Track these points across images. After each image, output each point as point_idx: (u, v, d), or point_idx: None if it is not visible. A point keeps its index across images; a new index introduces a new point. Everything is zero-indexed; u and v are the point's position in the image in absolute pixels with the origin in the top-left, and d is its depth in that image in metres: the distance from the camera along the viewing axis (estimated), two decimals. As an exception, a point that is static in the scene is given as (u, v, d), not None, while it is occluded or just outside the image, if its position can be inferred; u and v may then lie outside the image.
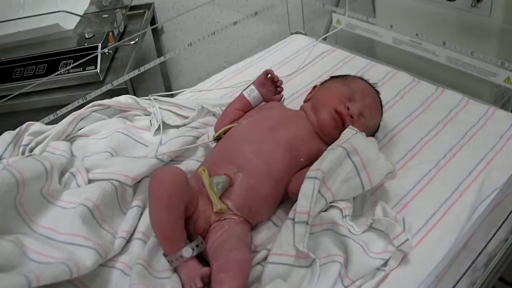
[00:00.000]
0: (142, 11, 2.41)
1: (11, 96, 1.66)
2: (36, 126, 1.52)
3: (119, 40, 2.15)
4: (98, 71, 1.90)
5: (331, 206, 1.23)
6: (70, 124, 1.54)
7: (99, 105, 1.61)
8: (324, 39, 2.09)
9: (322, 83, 1.55)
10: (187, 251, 1.14)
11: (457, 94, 1.72)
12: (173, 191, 1.14)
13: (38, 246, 1.14)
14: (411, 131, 1.59)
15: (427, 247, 1.21)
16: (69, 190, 1.31)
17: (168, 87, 2.66)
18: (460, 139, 1.53)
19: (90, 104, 1.60)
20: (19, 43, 2.07)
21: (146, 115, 1.65)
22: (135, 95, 1.98)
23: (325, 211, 1.23)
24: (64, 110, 1.63)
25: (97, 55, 1.92)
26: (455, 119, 1.62)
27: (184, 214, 1.16)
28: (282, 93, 1.55)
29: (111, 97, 1.65)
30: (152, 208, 1.16)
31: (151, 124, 1.60)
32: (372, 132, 1.49)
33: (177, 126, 1.60)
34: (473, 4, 1.69)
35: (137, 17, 2.38)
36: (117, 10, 2.19)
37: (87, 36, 2.03)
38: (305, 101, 1.53)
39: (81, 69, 1.92)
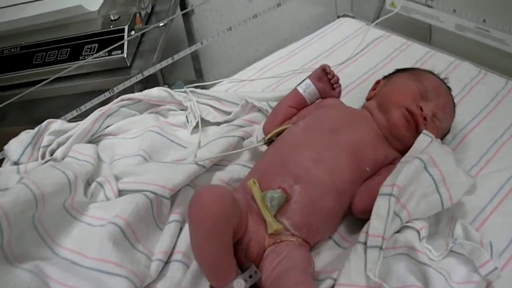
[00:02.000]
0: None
1: (38, 85, 1.50)
2: (57, 124, 1.35)
3: (147, 22, 1.98)
4: (125, 56, 1.72)
5: (406, 226, 1.03)
6: (96, 121, 1.36)
7: (128, 99, 1.42)
8: (377, 23, 1.87)
9: (387, 77, 1.34)
10: (240, 284, 0.94)
11: None
12: (219, 217, 0.93)
13: (61, 275, 0.97)
14: (482, 131, 1.39)
15: None
16: (97, 203, 1.13)
17: (199, 75, 2.47)
18: None
19: (119, 98, 1.41)
20: (40, 27, 1.90)
21: (181, 109, 1.46)
22: (165, 84, 1.81)
23: (398, 232, 1.03)
24: (88, 105, 1.44)
25: (124, 40, 1.73)
26: None
27: (232, 240, 0.96)
28: (340, 88, 1.34)
29: (138, 85, 1.46)
30: (194, 237, 0.96)
31: (187, 121, 1.41)
32: (443, 135, 1.28)
33: (218, 123, 1.42)
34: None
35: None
36: (144, -11, 2.01)
37: (112, 18, 1.86)
38: (367, 99, 1.32)
39: (107, 54, 1.74)
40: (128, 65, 1.74)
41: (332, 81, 1.32)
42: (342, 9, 2.00)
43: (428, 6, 1.80)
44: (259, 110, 1.41)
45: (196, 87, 1.51)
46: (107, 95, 1.49)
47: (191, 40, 2.32)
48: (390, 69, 1.40)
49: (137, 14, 1.90)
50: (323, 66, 1.32)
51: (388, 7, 1.87)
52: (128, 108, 1.42)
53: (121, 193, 1.15)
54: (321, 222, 1.07)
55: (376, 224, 0.97)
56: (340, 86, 1.33)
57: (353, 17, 1.96)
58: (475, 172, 1.27)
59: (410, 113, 1.18)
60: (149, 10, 2.05)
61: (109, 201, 1.13)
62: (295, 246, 1.02)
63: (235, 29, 1.76)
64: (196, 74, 2.50)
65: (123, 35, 1.77)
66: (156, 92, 1.44)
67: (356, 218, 1.13)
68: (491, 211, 1.16)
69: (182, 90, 1.47)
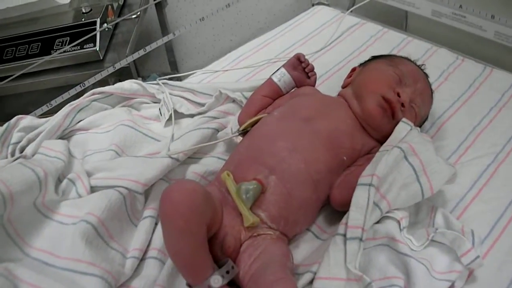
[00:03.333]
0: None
1: (7, 80, 1.47)
2: (27, 120, 1.31)
3: (119, 14, 1.95)
4: (98, 49, 1.70)
5: (386, 216, 1.02)
6: (67, 116, 1.32)
7: (99, 92, 1.39)
8: (351, 10, 1.85)
9: (363, 64, 1.33)
10: (217, 280, 0.91)
11: (509, 75, 1.51)
12: (190, 213, 0.90)
13: (33, 277, 0.94)
14: (461, 118, 1.38)
15: (495, 260, 1.03)
16: (68, 200, 1.10)
17: (174, 67, 2.43)
18: None
19: (90, 92, 1.38)
20: (10, 20, 1.89)
21: (154, 102, 1.44)
22: (139, 77, 1.78)
23: (378, 222, 1.02)
24: (59, 99, 1.40)
25: (95, 32, 1.70)
26: (510, 103, 1.41)
27: (207, 236, 0.94)
28: (315, 76, 1.32)
29: (112, 78, 1.44)
30: (167, 235, 0.94)
31: (160, 114, 1.38)
32: (422, 122, 1.27)
33: (192, 115, 1.39)
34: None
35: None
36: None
37: (84, 11, 1.85)
38: (343, 86, 1.31)
39: (79, 47, 1.72)
40: (101, 58, 1.72)
41: (307, 70, 1.30)
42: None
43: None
44: (233, 101, 1.39)
45: (169, 79, 1.48)
46: (78, 89, 1.46)
47: (165, 31, 2.29)
48: (366, 57, 1.39)
49: (109, 6, 1.87)
50: (297, 55, 1.30)
51: (363, -7, 1.85)
52: (100, 102, 1.38)
53: (93, 189, 1.12)
54: (298, 213, 1.05)
55: (355, 215, 0.95)
56: (315, 74, 1.31)
57: (328, 5, 1.93)
58: (455, 159, 1.26)
59: (386, 101, 1.16)
60: (121, 2, 2.03)
61: (81, 198, 1.09)
62: (272, 239, 1.00)
63: (208, 19, 1.73)
64: (171, 66, 2.46)
65: (95, 28, 1.75)
66: (128, 85, 1.41)
67: (334, 210, 1.11)
68: (472, 198, 1.16)
69: (155, 82, 1.44)
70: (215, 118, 1.33)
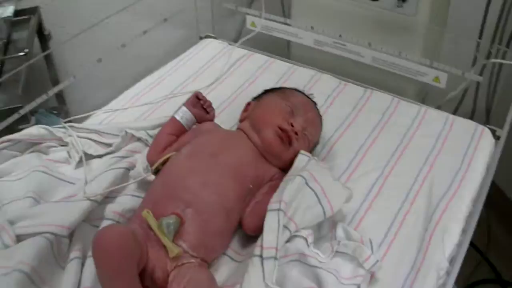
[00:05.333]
0: (26, 17, 2.13)
1: None
2: None
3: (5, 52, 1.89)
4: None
5: (294, 235, 1.16)
6: (-24, 165, 1.34)
7: (8, 140, 1.41)
8: (237, 42, 1.99)
9: (257, 98, 1.47)
10: None
11: (387, 95, 1.71)
12: (123, 255, 0.99)
13: None
14: (348, 139, 1.55)
15: (391, 262, 1.19)
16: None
17: (61, 100, 2.39)
18: (399, 144, 1.52)
19: None
20: None
21: (62, 145, 1.48)
22: (30, 114, 1.77)
23: (288, 241, 1.15)
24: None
25: None
26: (390, 122, 1.61)
27: (137, 273, 1.02)
28: (214, 111, 1.47)
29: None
30: (102, 277, 1.00)
31: (69, 156, 1.43)
32: (314, 146, 1.44)
33: (100, 156, 1.45)
34: (398, 5, 1.67)
35: (21, 24, 2.10)
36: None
37: None
38: (240, 120, 1.44)
39: None
40: None
41: (205, 106, 1.43)
42: (204, 30, 2.08)
43: (287, 24, 1.95)
44: (138, 139, 1.47)
45: (70, 120, 1.53)
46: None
47: (50, 67, 2.24)
48: (256, 87, 1.57)
49: (-2, 43, 1.82)
50: (196, 93, 1.43)
51: (249, 26, 2.00)
52: (9, 149, 1.42)
53: (18, 238, 1.16)
54: (215, 240, 1.17)
55: (269, 238, 1.08)
56: (213, 109, 1.45)
57: (215, 38, 2.06)
58: (346, 176, 1.42)
59: (282, 131, 1.30)
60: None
61: (8, 249, 1.13)
62: (196, 267, 1.10)
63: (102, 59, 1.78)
64: (58, 100, 2.43)
65: None
66: (35, 131, 1.45)
67: (245, 234, 1.24)
68: (366, 210, 1.32)
69: (60, 126, 1.49)
70: (124, 157, 1.40)
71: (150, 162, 1.35)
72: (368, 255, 1.13)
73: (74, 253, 1.16)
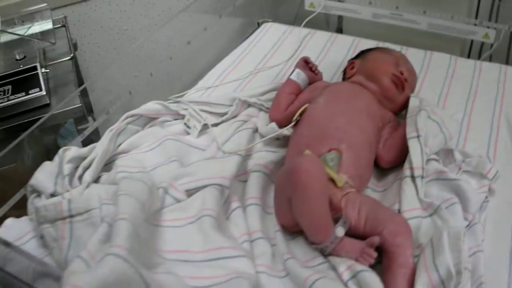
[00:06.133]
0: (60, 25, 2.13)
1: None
2: (72, 151, 1.32)
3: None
4: (45, 93, 1.63)
5: (429, 159, 1.28)
6: (111, 141, 1.36)
7: (132, 115, 1.45)
8: (292, 25, 2.07)
9: (360, 57, 1.56)
10: (340, 231, 1.08)
11: (444, 54, 1.86)
12: (322, 179, 1.09)
13: (190, 271, 1.02)
14: (427, 89, 1.69)
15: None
16: (170, 207, 1.17)
17: (89, 109, 2.34)
18: (469, 90, 1.69)
19: (124, 116, 1.44)
20: None
21: (175, 119, 1.52)
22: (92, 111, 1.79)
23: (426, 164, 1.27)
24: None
25: (38, 76, 1.66)
26: (455, 75, 1.76)
27: None
28: (321, 73, 1.56)
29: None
30: (304, 200, 1.07)
31: (188, 127, 1.47)
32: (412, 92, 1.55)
33: (216, 124, 1.50)
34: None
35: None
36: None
37: (18, 58, 1.75)
38: (349, 77, 1.52)
39: (24, 94, 1.62)
40: (48, 102, 1.64)
41: (313, 68, 1.52)
42: (257, 17, 2.17)
43: (341, 1, 2.06)
44: (249, 105, 1.53)
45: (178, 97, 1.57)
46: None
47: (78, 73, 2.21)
48: (330, 58, 1.75)
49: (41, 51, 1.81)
50: (304, 58, 1.54)
51: (308, 8, 2.09)
52: (133, 124, 1.45)
53: (187, 193, 1.20)
54: (366, 170, 1.27)
55: (416, 159, 1.22)
56: (320, 71, 1.53)
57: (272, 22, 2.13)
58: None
59: (396, 77, 1.42)
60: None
61: (183, 202, 1.18)
62: (359, 193, 1.20)
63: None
64: (87, 108, 2.39)
65: (37, 73, 1.68)
66: (153, 106, 1.49)
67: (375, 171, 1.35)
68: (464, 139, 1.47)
69: (173, 101, 1.53)
70: (244, 121, 1.46)
71: (275, 120, 1.42)
72: (490, 167, 1.26)
73: (235, 204, 1.22)
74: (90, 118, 1.67)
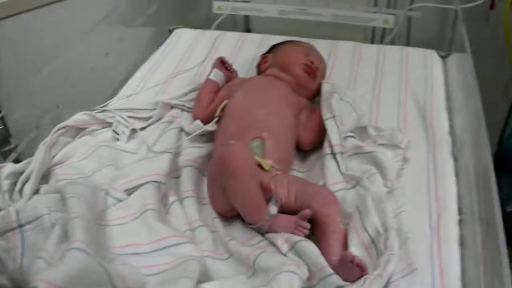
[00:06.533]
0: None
1: None
2: (8, 167, 1.36)
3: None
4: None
5: (345, 136, 1.43)
6: (45, 153, 1.42)
7: (62, 127, 1.51)
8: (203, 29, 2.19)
9: (270, 52, 1.71)
10: (273, 209, 1.21)
11: (350, 42, 2.05)
12: (251, 163, 1.21)
13: (142, 262, 1.10)
14: (337, 72, 1.87)
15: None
16: (113, 207, 1.25)
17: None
18: (376, 71, 1.89)
19: (55, 129, 1.49)
20: None
21: (103, 128, 1.59)
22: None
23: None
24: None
25: None
26: (361, 58, 1.96)
27: None
28: (236, 71, 1.71)
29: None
30: (238, 183, 1.18)
31: (117, 134, 1.55)
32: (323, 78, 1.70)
33: (143, 128, 1.59)
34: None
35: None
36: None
37: None
38: (263, 70, 1.66)
39: None
40: None
41: (229, 67, 1.65)
42: (169, 24, 2.26)
43: (247, 1, 2.22)
44: (172, 107, 1.63)
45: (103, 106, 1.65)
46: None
47: None
48: (243, 56, 1.88)
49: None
50: (220, 58, 1.67)
51: (216, 11, 2.21)
52: (64, 136, 1.51)
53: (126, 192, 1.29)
54: (289, 154, 1.41)
55: (334, 137, 1.37)
56: (235, 70, 1.67)
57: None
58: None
59: (308, 66, 1.57)
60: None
61: (124, 201, 1.25)
62: (286, 175, 1.33)
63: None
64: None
65: None
66: (81, 117, 1.55)
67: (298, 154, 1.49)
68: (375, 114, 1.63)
69: (99, 110, 1.61)
70: (170, 122, 1.56)
71: (199, 118, 1.54)
72: (402, 138, 1.44)
73: (172, 198, 1.32)
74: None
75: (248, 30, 2.38)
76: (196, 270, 1.04)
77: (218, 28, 2.16)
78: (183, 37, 2.15)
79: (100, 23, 1.87)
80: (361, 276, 1.07)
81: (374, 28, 2.34)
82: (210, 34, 2.12)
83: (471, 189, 1.30)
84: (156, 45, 2.12)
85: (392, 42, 2.18)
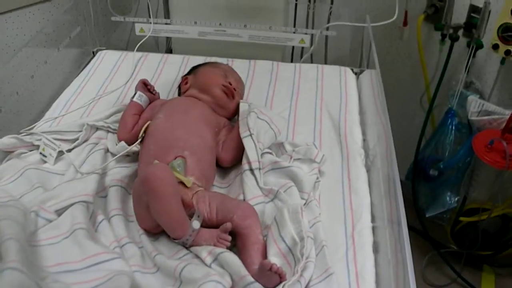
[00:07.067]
0: None
1: None
2: None
3: None
4: None
5: (263, 153, 1.54)
6: (-33, 179, 1.46)
7: (-12, 151, 1.55)
8: (125, 50, 2.27)
9: (190, 73, 1.81)
10: (196, 224, 1.30)
11: (267, 61, 2.18)
12: (173, 182, 1.30)
13: (74, 279, 1.15)
14: (256, 91, 1.99)
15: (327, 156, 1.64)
16: (44, 228, 1.29)
17: None
18: (292, 90, 2.02)
19: (-21, 153, 1.54)
20: None
21: (30, 150, 1.65)
22: None
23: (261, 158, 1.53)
24: None
25: None
26: (278, 77, 2.10)
27: None
28: (158, 92, 1.79)
29: None
30: (160, 203, 1.26)
31: (44, 156, 1.61)
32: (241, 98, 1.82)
33: (70, 150, 1.64)
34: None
35: None
36: None
37: None
38: (184, 91, 1.76)
39: None
40: None
41: (151, 89, 1.74)
42: (95, 45, 2.32)
43: (174, 24, 2.31)
44: (98, 129, 1.70)
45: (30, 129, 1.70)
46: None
47: None
48: (165, 76, 1.97)
49: None
50: (143, 80, 1.74)
51: (138, 33, 2.29)
52: (-12, 160, 1.55)
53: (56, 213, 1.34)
54: (210, 171, 1.50)
55: (252, 154, 1.47)
56: (157, 92, 1.75)
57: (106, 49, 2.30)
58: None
59: (226, 87, 1.68)
60: None
61: (55, 221, 1.30)
62: (207, 191, 1.43)
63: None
64: None
65: None
66: (8, 140, 1.60)
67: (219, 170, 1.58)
68: (292, 131, 1.76)
69: (25, 134, 1.66)
70: (95, 143, 1.63)
71: (124, 139, 1.62)
72: (317, 152, 1.57)
73: (100, 217, 1.39)
74: None
75: (170, 51, 2.48)
76: (126, 284, 1.12)
77: (142, 49, 2.23)
78: (106, 58, 2.22)
79: (26, 46, 1.92)
80: (280, 283, 1.17)
81: (293, 48, 2.50)
82: (132, 56, 2.20)
83: (382, 198, 1.41)
84: (80, 67, 2.19)
85: (311, 61, 2.33)
